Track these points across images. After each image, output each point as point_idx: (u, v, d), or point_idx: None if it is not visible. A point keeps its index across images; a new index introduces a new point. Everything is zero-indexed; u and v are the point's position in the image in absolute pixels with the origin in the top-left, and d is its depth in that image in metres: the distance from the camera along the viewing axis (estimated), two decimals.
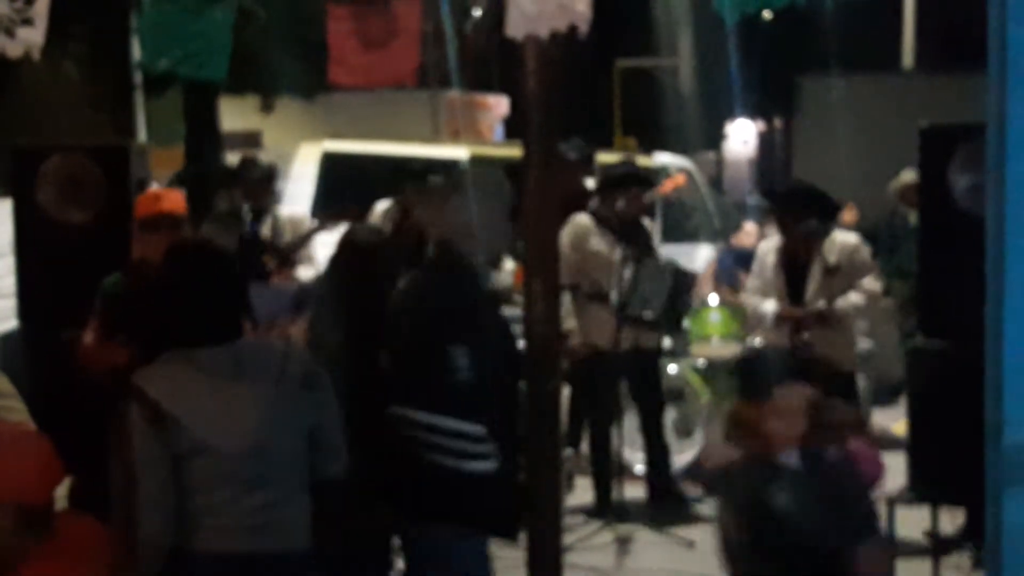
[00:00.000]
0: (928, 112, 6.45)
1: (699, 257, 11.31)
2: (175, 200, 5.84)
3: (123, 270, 5.81)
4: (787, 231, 7.28)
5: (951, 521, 6.56)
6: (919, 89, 13.58)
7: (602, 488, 7.76)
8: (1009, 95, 3.72)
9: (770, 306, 7.29)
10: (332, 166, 11.64)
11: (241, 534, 3.72)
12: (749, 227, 10.41)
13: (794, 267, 7.28)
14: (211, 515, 3.72)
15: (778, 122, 29.21)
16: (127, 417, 3.74)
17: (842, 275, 7.21)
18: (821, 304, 7.20)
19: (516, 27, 4.53)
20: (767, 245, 7.60)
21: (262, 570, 3.76)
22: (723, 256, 10.40)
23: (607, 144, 20.31)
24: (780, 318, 7.23)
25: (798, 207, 7.25)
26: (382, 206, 8.00)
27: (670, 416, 8.39)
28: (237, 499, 3.72)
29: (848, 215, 8.55)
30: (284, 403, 3.77)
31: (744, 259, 9.54)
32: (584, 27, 4.45)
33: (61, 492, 5.61)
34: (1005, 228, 3.78)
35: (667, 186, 8.85)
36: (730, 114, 27.53)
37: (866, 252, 7.49)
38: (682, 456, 8.30)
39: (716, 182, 28.52)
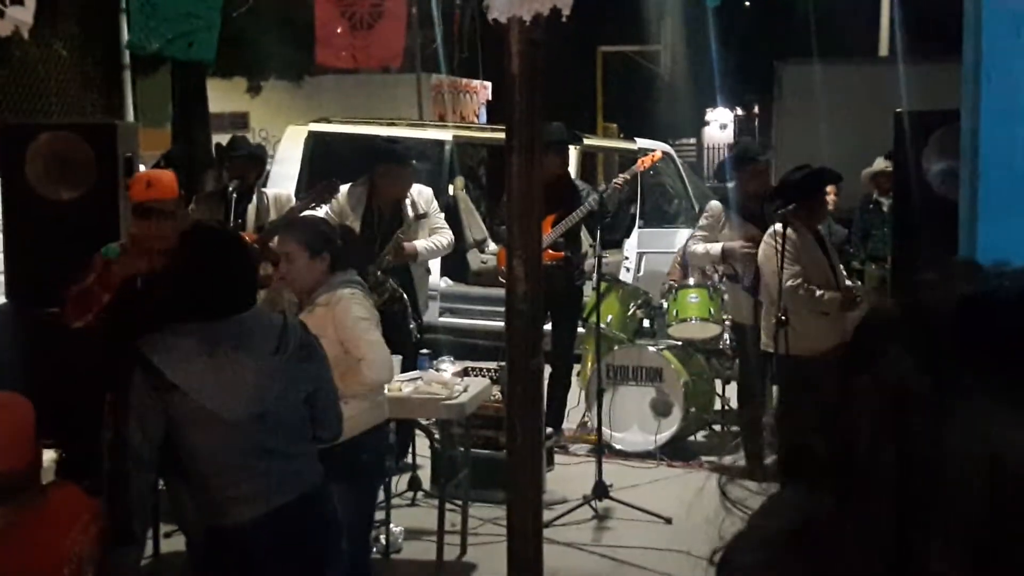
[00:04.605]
0: (904, 100, 6.56)
1: (678, 242, 11.42)
2: (167, 186, 5.84)
3: (123, 246, 5.86)
4: (815, 213, 7.30)
5: None
6: (895, 76, 13.67)
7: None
8: (983, 82, 3.83)
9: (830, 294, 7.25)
10: (318, 147, 11.71)
11: (260, 499, 3.92)
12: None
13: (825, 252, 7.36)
14: (230, 487, 3.88)
15: (757, 108, 29.32)
16: (128, 381, 3.88)
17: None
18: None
19: (500, 9, 4.60)
20: (782, 228, 7.41)
21: (289, 517, 3.94)
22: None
23: (590, 129, 20.40)
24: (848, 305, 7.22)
25: (819, 188, 7.35)
26: (346, 188, 8.08)
27: (649, 395, 8.52)
28: (250, 466, 3.88)
29: (829, 199, 8.69)
30: (282, 373, 3.92)
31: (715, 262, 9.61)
32: (566, 10, 4.52)
33: (48, 464, 5.72)
34: (977, 213, 3.89)
35: (645, 162, 8.94)
36: (710, 100, 27.63)
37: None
38: (660, 435, 8.43)
39: (696, 167, 28.63)
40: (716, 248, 8.06)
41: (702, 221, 8.39)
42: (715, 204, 8.36)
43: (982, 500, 0.75)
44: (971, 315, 0.83)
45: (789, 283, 7.06)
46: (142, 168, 7.39)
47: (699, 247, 8.25)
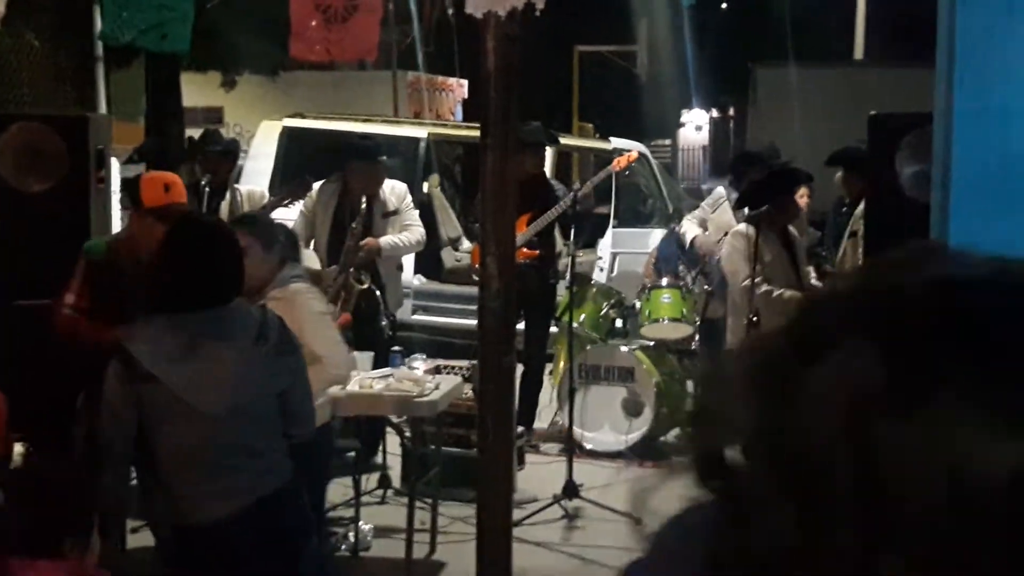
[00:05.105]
0: (878, 103, 6.59)
1: (652, 242, 11.44)
2: (182, 189, 5.80)
3: (112, 242, 5.81)
4: (786, 211, 7.37)
5: None
6: (870, 79, 13.77)
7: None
8: (956, 85, 3.84)
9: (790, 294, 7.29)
10: (292, 143, 11.69)
11: (233, 495, 3.89)
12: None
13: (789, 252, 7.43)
14: (205, 483, 3.86)
15: (732, 110, 29.44)
16: (104, 374, 3.87)
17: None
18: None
19: (475, 4, 4.60)
20: (745, 228, 7.41)
21: (262, 514, 3.91)
22: (664, 243, 10.49)
23: (565, 128, 20.41)
24: None
25: (790, 185, 7.45)
26: (317, 185, 8.07)
27: (620, 395, 8.53)
28: (225, 462, 3.86)
29: (801, 200, 8.76)
30: (261, 367, 3.90)
31: (685, 247, 9.66)
32: (540, 4, 4.51)
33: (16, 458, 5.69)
34: (949, 214, 3.91)
35: (621, 162, 8.98)
36: (686, 101, 27.70)
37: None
38: (632, 435, 8.43)
39: (670, 168, 28.70)
40: (692, 233, 8.47)
41: (704, 202, 8.77)
42: (719, 189, 8.58)
43: (943, 519, 0.67)
44: (944, 300, 0.73)
45: (743, 284, 7.12)
46: (114, 161, 7.34)
47: (684, 225, 8.70)
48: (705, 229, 8.63)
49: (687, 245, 8.38)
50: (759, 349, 0.80)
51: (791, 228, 7.58)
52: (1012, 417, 0.67)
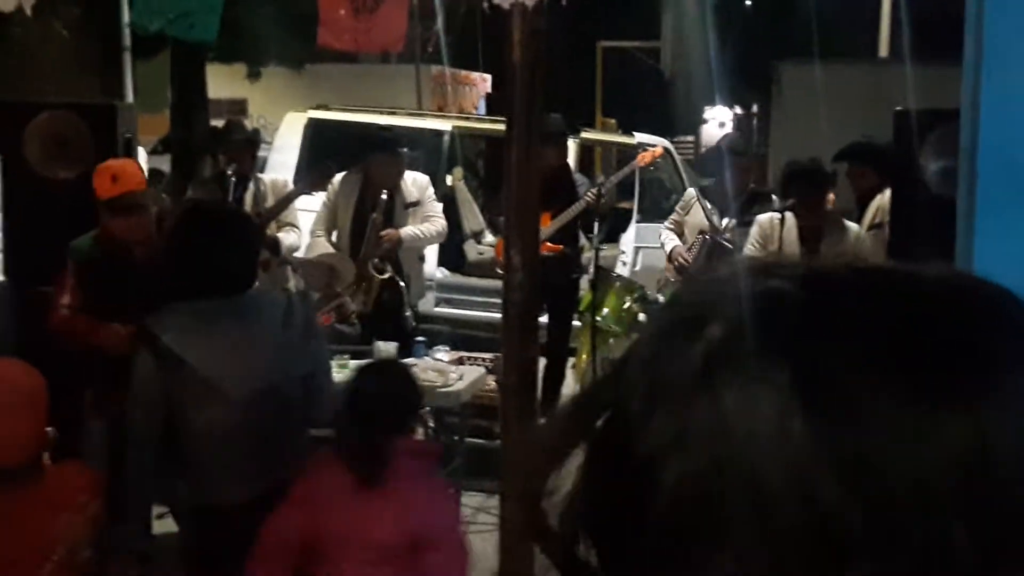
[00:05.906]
0: (903, 100, 6.57)
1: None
2: (133, 176, 5.62)
3: (94, 239, 5.78)
4: (811, 209, 7.34)
5: None
6: (895, 77, 13.72)
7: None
8: (983, 81, 3.83)
9: None
10: (317, 135, 11.70)
11: (257, 479, 3.92)
12: None
13: (808, 249, 7.36)
14: (230, 467, 3.90)
15: (755, 106, 29.35)
16: (133, 362, 3.91)
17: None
18: None
19: None
20: (768, 218, 7.56)
21: (284, 494, 3.93)
22: None
23: (589, 124, 20.42)
24: None
25: (819, 186, 7.42)
26: (339, 176, 8.08)
27: None
28: (250, 445, 3.90)
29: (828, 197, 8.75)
30: (287, 350, 3.94)
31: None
32: None
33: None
34: (975, 211, 3.90)
35: (645, 157, 8.99)
36: (709, 98, 27.61)
37: (869, 246, 7.53)
38: None
39: (693, 164, 28.64)
40: (669, 246, 8.48)
41: (677, 205, 8.76)
42: (691, 191, 8.56)
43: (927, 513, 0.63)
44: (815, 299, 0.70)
45: None
46: (141, 150, 7.38)
47: (663, 235, 8.68)
48: (681, 233, 8.58)
49: (667, 258, 8.44)
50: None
51: (845, 223, 7.58)
52: (927, 404, 0.65)
